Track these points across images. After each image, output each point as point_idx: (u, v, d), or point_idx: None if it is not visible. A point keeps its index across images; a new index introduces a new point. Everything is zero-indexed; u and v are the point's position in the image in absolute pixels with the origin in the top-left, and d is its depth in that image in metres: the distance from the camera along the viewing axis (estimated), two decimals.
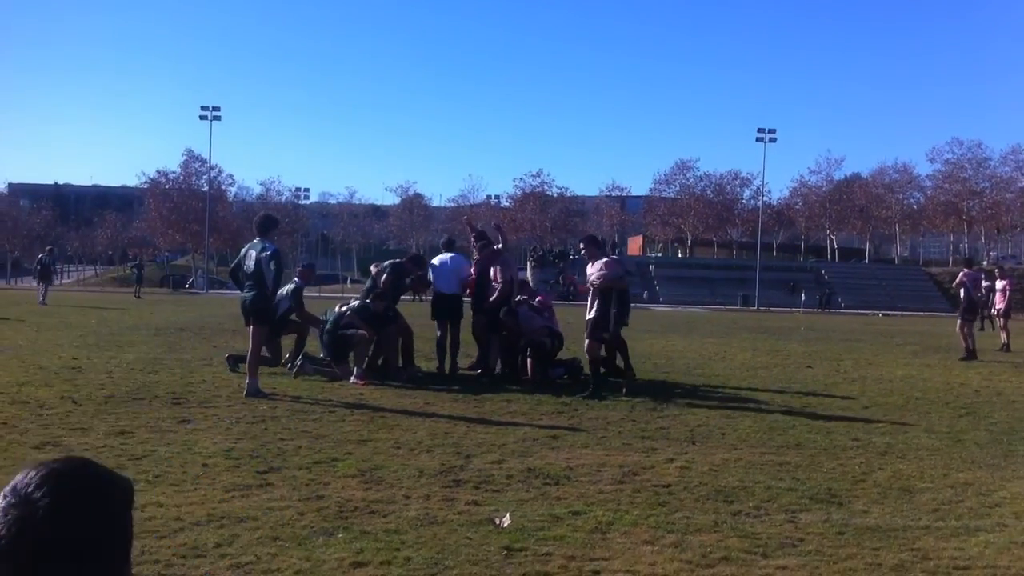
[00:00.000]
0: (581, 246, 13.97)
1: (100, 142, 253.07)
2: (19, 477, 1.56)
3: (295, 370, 13.70)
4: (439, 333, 15.08)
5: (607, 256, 13.51)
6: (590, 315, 12.96)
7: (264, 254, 12.02)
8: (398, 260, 14.96)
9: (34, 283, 52.23)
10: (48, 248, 42.98)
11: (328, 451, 8.24)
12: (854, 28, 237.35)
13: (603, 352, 13.23)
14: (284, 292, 14.13)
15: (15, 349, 16.83)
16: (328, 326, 13.99)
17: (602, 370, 13.32)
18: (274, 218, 13.20)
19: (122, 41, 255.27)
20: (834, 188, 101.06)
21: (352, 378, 13.27)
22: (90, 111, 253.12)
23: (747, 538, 5.84)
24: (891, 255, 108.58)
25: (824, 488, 7.35)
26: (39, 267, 40.83)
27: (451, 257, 15.26)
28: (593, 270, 13.12)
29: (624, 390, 12.72)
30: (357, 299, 14.80)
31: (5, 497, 1.53)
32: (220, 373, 13.84)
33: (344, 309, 14.26)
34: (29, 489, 1.52)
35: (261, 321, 12.23)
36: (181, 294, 69.26)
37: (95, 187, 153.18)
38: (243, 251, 12.47)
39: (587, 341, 12.95)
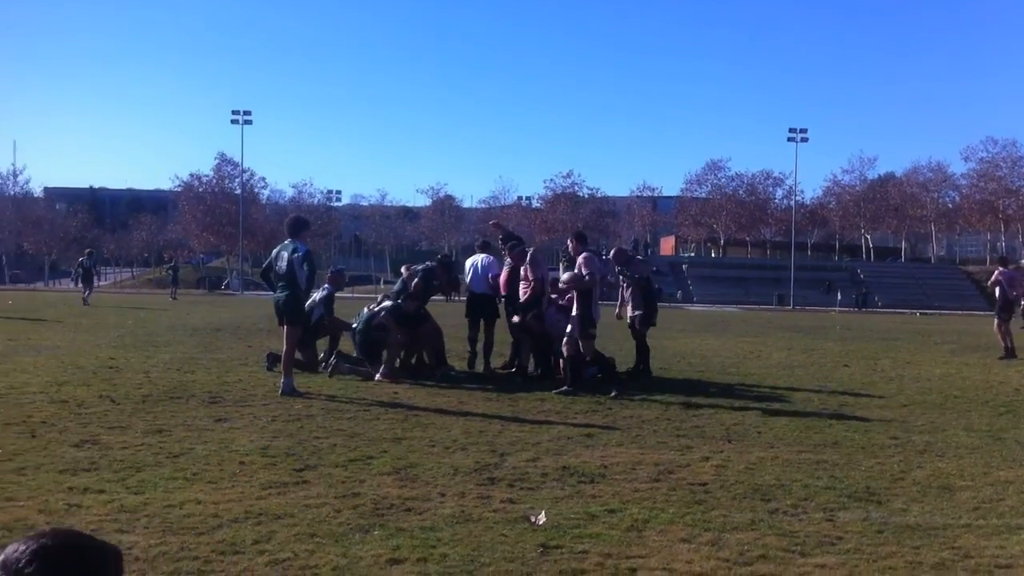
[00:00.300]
0: (569, 242, 13.90)
1: (134, 146, 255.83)
2: (9, 551, 1.58)
3: (329, 369, 13.76)
4: (470, 331, 15.26)
5: (588, 252, 13.41)
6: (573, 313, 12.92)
7: (296, 255, 12.09)
8: (430, 264, 14.98)
9: (72, 285, 52.94)
10: (88, 251, 43.55)
11: (363, 449, 8.26)
12: (885, 26, 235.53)
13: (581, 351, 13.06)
14: (316, 298, 14.21)
15: (54, 349, 17.02)
16: (360, 325, 14.05)
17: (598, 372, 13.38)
18: (305, 220, 13.25)
19: (154, 47, 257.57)
20: (868, 187, 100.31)
21: (378, 375, 13.32)
22: (124, 116, 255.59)
23: (785, 536, 5.79)
24: (927, 254, 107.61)
25: (862, 486, 7.28)
26: (80, 270, 41.55)
27: (484, 258, 15.43)
28: (564, 274, 13.20)
29: (613, 393, 12.39)
30: (387, 299, 14.82)
31: None
32: (256, 372, 13.93)
33: (376, 308, 14.31)
34: (20, 564, 1.53)
35: (295, 321, 12.30)
36: (217, 295, 69.80)
37: (130, 191, 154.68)
38: (274, 252, 12.53)
39: (565, 339, 12.92)
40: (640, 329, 15.18)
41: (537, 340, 14.26)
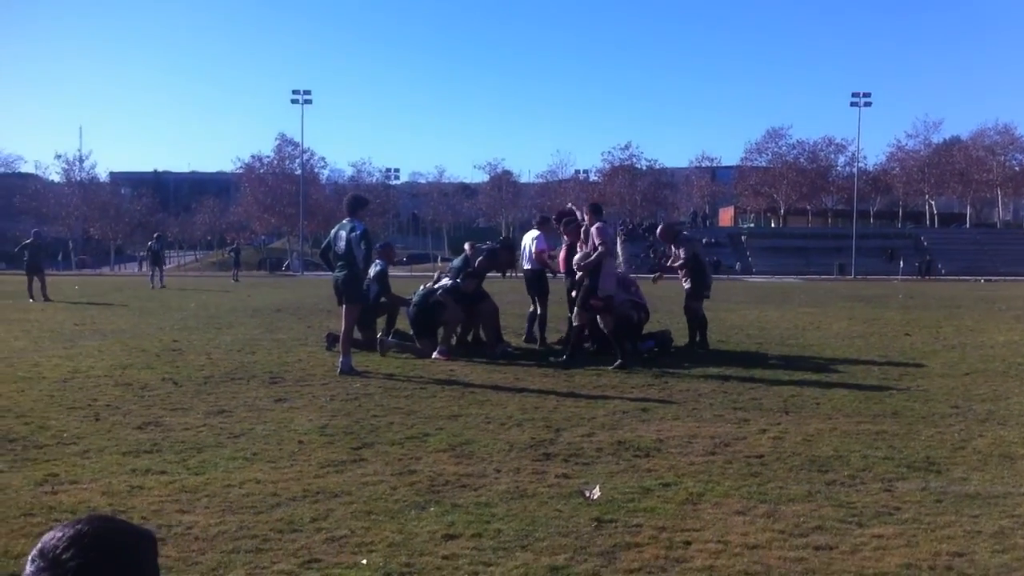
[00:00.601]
0: (584, 215, 13.87)
1: (197, 129, 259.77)
2: (45, 539, 1.60)
3: (379, 346, 13.84)
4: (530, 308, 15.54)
5: (601, 223, 13.39)
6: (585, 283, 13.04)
7: (354, 234, 12.19)
8: (495, 245, 15.09)
9: (138, 269, 53.81)
10: (156, 235, 44.40)
11: (420, 427, 8.33)
12: None
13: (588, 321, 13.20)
14: (370, 275, 14.22)
15: (119, 333, 17.35)
16: (417, 299, 14.11)
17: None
18: (363, 198, 13.35)
19: (213, 30, 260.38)
20: (933, 152, 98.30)
21: (435, 354, 13.41)
22: (186, 99, 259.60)
23: (842, 507, 5.75)
24: (993, 219, 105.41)
25: (922, 456, 7.19)
26: (150, 253, 42.63)
27: (533, 234, 15.51)
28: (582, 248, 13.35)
29: (618, 361, 12.49)
30: (444, 275, 14.87)
31: (34, 561, 1.58)
32: (315, 353, 14.09)
33: (434, 286, 14.37)
34: (58, 551, 1.56)
35: (353, 300, 12.43)
36: (278, 276, 70.60)
37: (192, 174, 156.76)
38: (333, 232, 12.64)
39: (577, 311, 13.16)
40: (689, 304, 15.12)
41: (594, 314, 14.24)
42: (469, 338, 14.62)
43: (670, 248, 15.47)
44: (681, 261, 15.20)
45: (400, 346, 14.00)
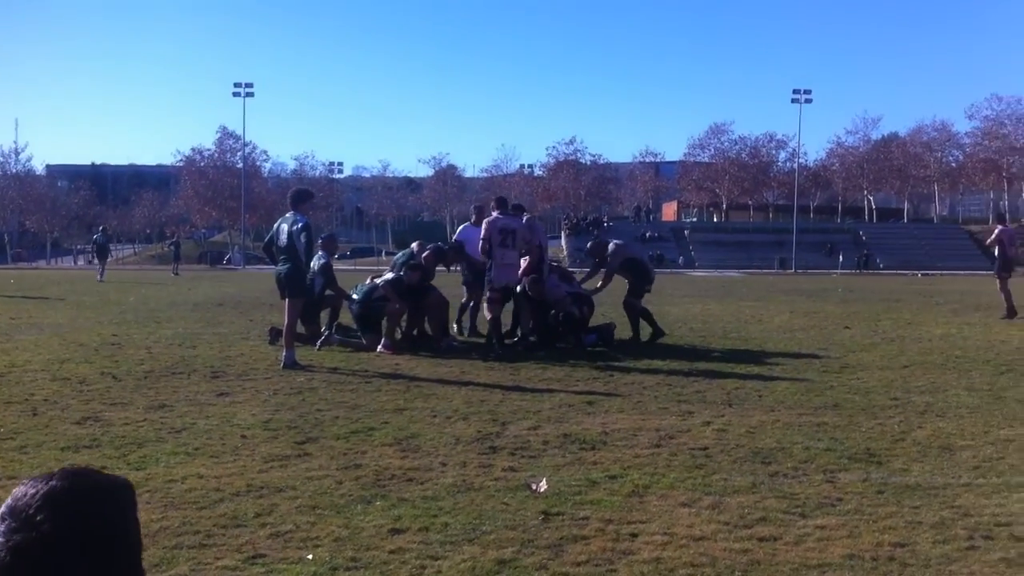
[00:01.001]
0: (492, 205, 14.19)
1: (136, 122, 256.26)
2: (16, 495, 1.51)
3: (319, 342, 13.70)
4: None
5: (492, 218, 13.75)
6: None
7: (295, 227, 12.08)
8: (442, 245, 15.12)
9: (78, 263, 53.18)
10: (102, 228, 44.27)
11: (365, 420, 8.28)
12: None
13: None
14: (314, 267, 14.00)
15: (56, 327, 17.04)
16: (360, 297, 14.02)
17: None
18: (307, 191, 13.25)
19: (154, 21, 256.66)
20: (872, 148, 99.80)
21: (379, 347, 13.35)
22: (125, 91, 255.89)
23: (785, 499, 5.81)
24: (930, 214, 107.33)
25: (863, 448, 7.29)
26: (95, 246, 43.30)
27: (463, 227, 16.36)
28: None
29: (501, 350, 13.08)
30: (389, 271, 14.82)
31: (4, 519, 1.49)
32: (258, 347, 13.95)
33: (377, 281, 14.30)
34: (31, 511, 1.47)
35: (296, 294, 12.32)
36: (219, 270, 69.81)
37: (131, 167, 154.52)
38: (276, 225, 12.53)
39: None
40: (627, 299, 15.27)
41: (537, 306, 14.29)
42: (415, 332, 14.55)
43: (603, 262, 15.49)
44: (608, 273, 15.27)
45: (345, 341, 13.92)
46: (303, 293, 12.66)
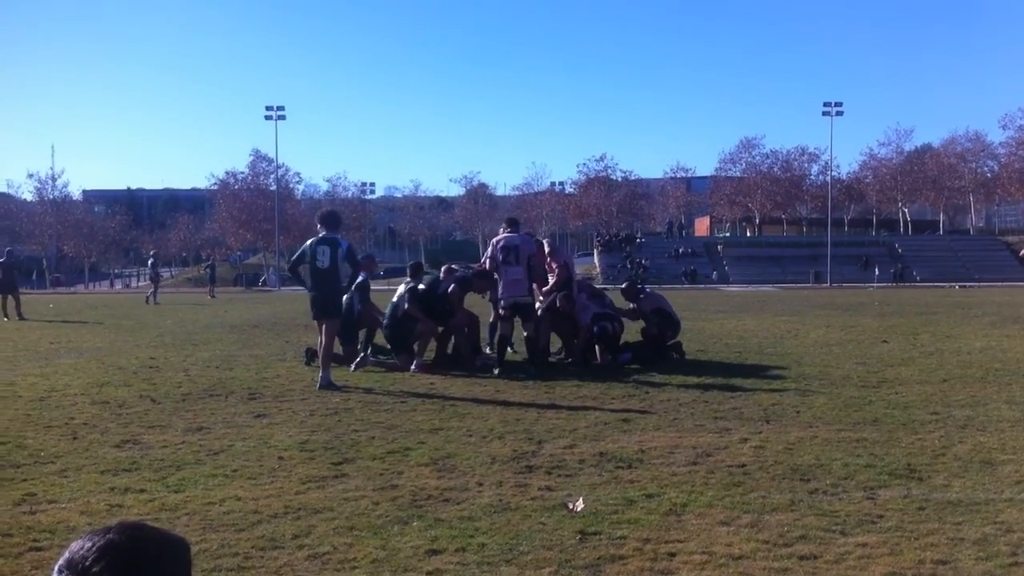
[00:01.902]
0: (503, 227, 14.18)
1: (170, 146, 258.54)
2: (74, 548, 1.52)
3: (354, 364, 13.75)
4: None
5: (501, 237, 13.83)
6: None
7: (340, 250, 12.29)
8: (467, 276, 14.86)
9: (112, 286, 54.02)
10: (152, 252, 45.57)
11: (401, 441, 8.29)
12: None
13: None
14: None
15: (95, 351, 17.21)
16: (387, 319, 14.08)
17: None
18: (338, 213, 13.45)
19: (185, 46, 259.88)
20: (905, 160, 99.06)
21: (412, 367, 13.38)
22: (159, 117, 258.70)
23: (825, 516, 5.75)
24: (966, 226, 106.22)
25: (903, 463, 7.21)
26: (150, 270, 45.35)
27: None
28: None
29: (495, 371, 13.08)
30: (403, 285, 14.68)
31: (61, 572, 1.50)
32: (294, 368, 14.02)
33: (397, 300, 14.23)
34: (87, 563, 1.49)
35: (333, 315, 12.46)
36: (254, 292, 70.25)
37: (166, 191, 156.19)
38: (309, 246, 12.54)
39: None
40: (649, 331, 15.23)
41: (565, 325, 14.34)
42: (448, 350, 14.56)
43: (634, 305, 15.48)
44: (637, 314, 15.25)
45: (378, 362, 13.98)
46: (339, 313, 12.77)
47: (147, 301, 40.73)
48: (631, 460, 7.43)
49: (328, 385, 11.72)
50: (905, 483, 6.60)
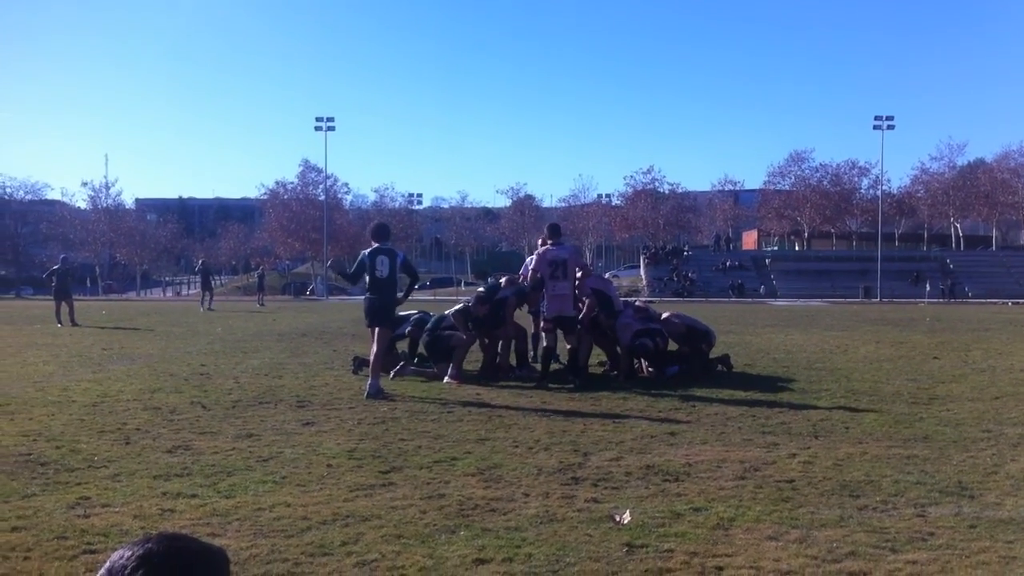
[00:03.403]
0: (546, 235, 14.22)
1: (222, 156, 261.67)
2: (115, 557, 1.56)
3: (393, 372, 13.87)
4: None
5: (543, 249, 13.90)
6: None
7: (398, 261, 12.70)
8: (524, 287, 14.72)
9: (164, 294, 54.94)
10: (201, 260, 46.44)
11: (448, 450, 8.33)
12: (969, 7, 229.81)
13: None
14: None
15: (147, 358, 17.45)
16: (430, 326, 14.23)
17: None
18: (387, 226, 13.69)
19: (237, 59, 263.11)
20: (957, 174, 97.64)
21: (447, 378, 13.44)
22: (211, 126, 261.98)
23: (875, 533, 5.71)
24: (1019, 242, 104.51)
25: (954, 481, 7.13)
26: (201, 277, 46.71)
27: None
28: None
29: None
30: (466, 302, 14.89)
31: None
32: (341, 376, 14.13)
33: (449, 313, 14.42)
34: (127, 572, 1.52)
35: (387, 323, 12.78)
36: (302, 301, 70.77)
37: (217, 200, 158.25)
38: (366, 256, 12.74)
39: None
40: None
41: (607, 339, 14.36)
42: (498, 360, 14.60)
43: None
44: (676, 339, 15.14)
45: (418, 372, 14.10)
46: (393, 323, 13.11)
47: (202, 307, 42.64)
48: (678, 473, 7.41)
49: (377, 393, 11.82)
50: (956, 501, 6.52)
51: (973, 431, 9.41)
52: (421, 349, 14.86)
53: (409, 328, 15.01)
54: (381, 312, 12.69)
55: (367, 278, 12.73)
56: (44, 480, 7.10)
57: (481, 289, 14.94)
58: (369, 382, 12.09)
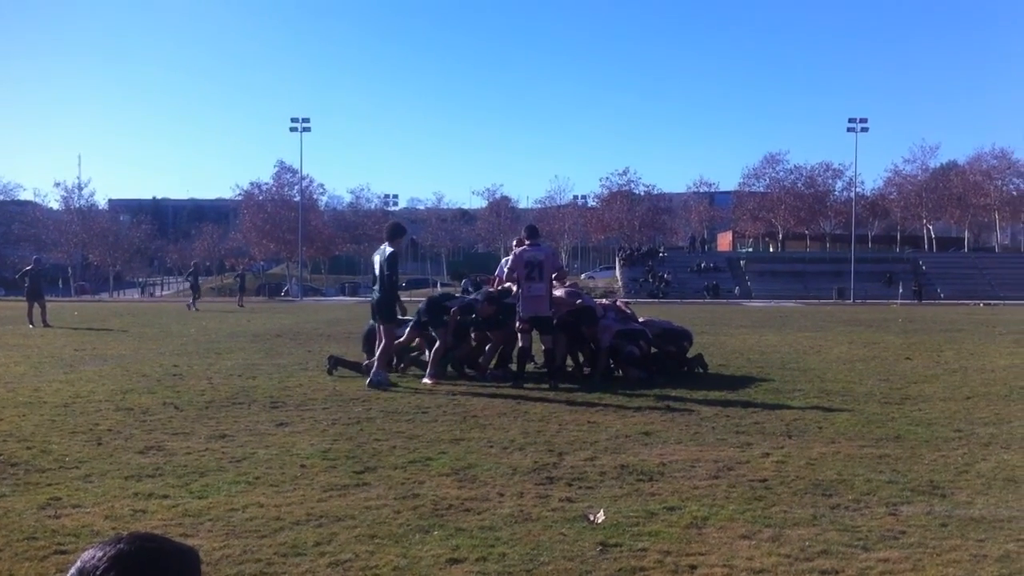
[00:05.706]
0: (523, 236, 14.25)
1: (196, 157, 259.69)
2: (85, 557, 1.54)
3: (402, 365, 14.40)
4: None
5: (519, 250, 13.91)
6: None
7: (382, 258, 13.48)
8: (509, 287, 14.77)
9: (137, 295, 55.05)
10: (194, 262, 47.59)
11: (422, 451, 8.32)
12: (943, 10, 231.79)
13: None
14: None
15: (119, 358, 17.34)
16: (437, 296, 14.76)
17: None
18: (401, 227, 14.25)
19: (211, 58, 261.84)
20: (930, 176, 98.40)
21: (425, 378, 13.46)
22: (184, 128, 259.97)
23: (847, 531, 5.74)
24: (991, 243, 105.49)
25: (926, 480, 7.18)
26: (190, 279, 49.47)
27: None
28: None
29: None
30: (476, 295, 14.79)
31: None
32: (316, 377, 14.08)
33: (472, 297, 14.56)
34: (98, 572, 1.51)
35: (386, 319, 13.40)
36: (277, 302, 70.49)
37: (191, 201, 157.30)
38: (373, 256, 13.96)
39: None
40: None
41: (582, 341, 14.42)
42: (481, 360, 14.60)
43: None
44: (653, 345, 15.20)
45: (413, 360, 14.55)
46: (393, 319, 13.50)
47: (188, 307, 44.83)
48: (652, 473, 7.43)
49: (378, 384, 12.57)
50: (928, 499, 6.57)
51: (945, 431, 9.48)
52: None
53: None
54: (377, 308, 13.64)
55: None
56: (15, 481, 7.04)
57: (491, 288, 14.84)
58: (374, 370, 12.95)
